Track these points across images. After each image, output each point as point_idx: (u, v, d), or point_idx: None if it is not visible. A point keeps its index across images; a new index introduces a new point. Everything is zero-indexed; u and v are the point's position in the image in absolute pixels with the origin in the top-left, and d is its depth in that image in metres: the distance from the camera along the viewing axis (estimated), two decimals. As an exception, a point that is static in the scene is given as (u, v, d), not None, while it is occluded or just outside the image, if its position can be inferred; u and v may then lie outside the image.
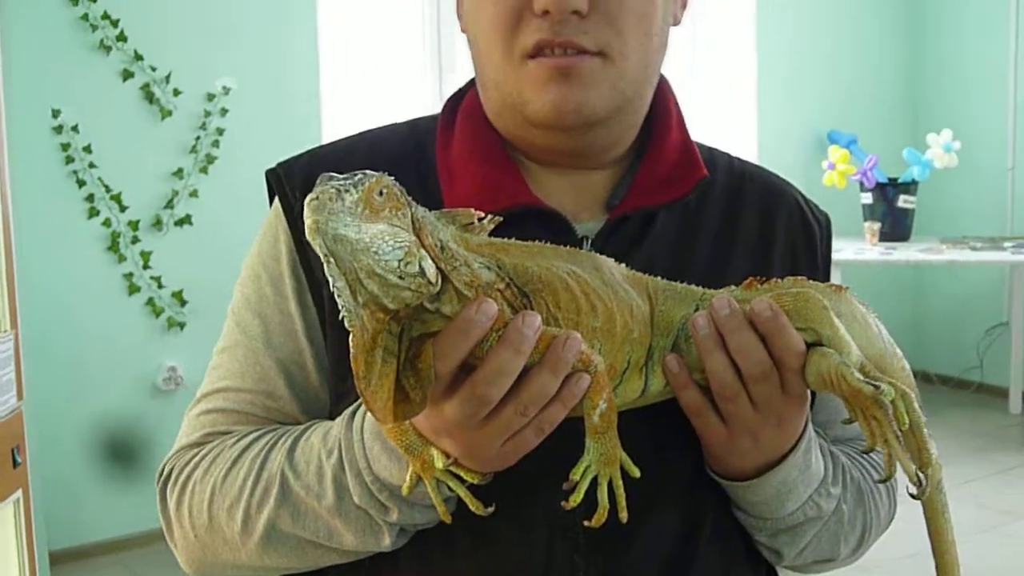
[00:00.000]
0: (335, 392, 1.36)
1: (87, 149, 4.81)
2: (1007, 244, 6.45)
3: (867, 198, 6.66)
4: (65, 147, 4.82)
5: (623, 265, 1.24)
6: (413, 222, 1.02)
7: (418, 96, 5.97)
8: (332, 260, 0.98)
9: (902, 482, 1.23)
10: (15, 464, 2.67)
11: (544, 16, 1.26)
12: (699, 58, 6.92)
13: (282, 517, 1.27)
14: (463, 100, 1.46)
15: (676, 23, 1.42)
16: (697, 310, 1.24)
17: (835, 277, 5.88)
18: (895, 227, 6.62)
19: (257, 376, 1.38)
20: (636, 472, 1.12)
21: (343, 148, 1.46)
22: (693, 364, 1.22)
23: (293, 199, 1.39)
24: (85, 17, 4.80)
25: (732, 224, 1.44)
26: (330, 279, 0.99)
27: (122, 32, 4.85)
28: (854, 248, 6.50)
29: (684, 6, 1.44)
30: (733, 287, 1.28)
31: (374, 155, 1.42)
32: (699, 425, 1.26)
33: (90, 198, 4.88)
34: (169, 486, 1.38)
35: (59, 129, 4.80)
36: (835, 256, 6.18)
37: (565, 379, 1.08)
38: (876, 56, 7.27)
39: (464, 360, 1.05)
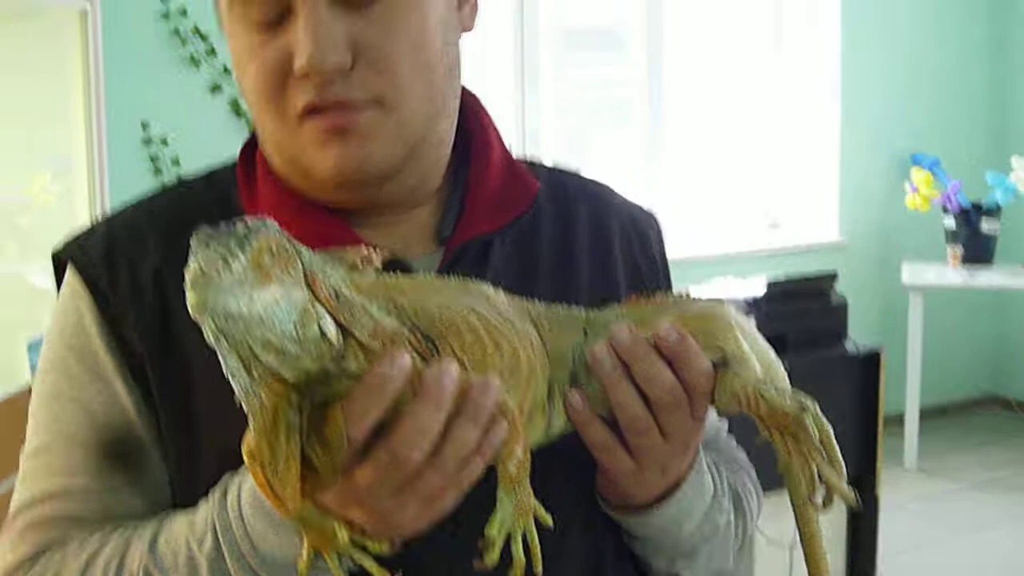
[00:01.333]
0: (179, 479, 1.24)
1: (175, 162, 4.86)
2: (1091, 270, 6.36)
3: (950, 222, 6.59)
4: (154, 159, 4.87)
5: (500, 291, 1.15)
6: (305, 274, 0.92)
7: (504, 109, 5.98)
8: (223, 339, 0.89)
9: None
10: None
11: (306, 78, 1.17)
12: (784, 78, 6.90)
13: None
14: (259, 148, 1.34)
15: (467, 30, 1.32)
16: (586, 335, 1.17)
17: (915, 301, 5.86)
18: (978, 251, 6.54)
19: (88, 471, 1.24)
20: (549, 520, 1.06)
21: (142, 215, 1.34)
22: (595, 397, 1.15)
23: (97, 273, 1.27)
24: (176, 32, 4.87)
25: (567, 237, 1.38)
26: (222, 360, 0.91)
27: (212, 47, 4.91)
28: (936, 272, 6.44)
29: (475, 9, 1.33)
30: (615, 306, 1.20)
31: (178, 216, 1.31)
32: (606, 461, 1.19)
33: (177, 210, 4.90)
34: None
35: (148, 141, 4.86)
36: (916, 280, 6.19)
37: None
38: (961, 78, 7.20)
39: (380, 420, 0.96)
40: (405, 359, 0.96)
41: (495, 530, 1.03)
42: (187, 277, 0.87)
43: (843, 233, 6.81)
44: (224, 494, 1.13)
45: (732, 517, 1.36)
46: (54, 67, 2.75)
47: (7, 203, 2.99)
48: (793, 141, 6.92)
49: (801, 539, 1.21)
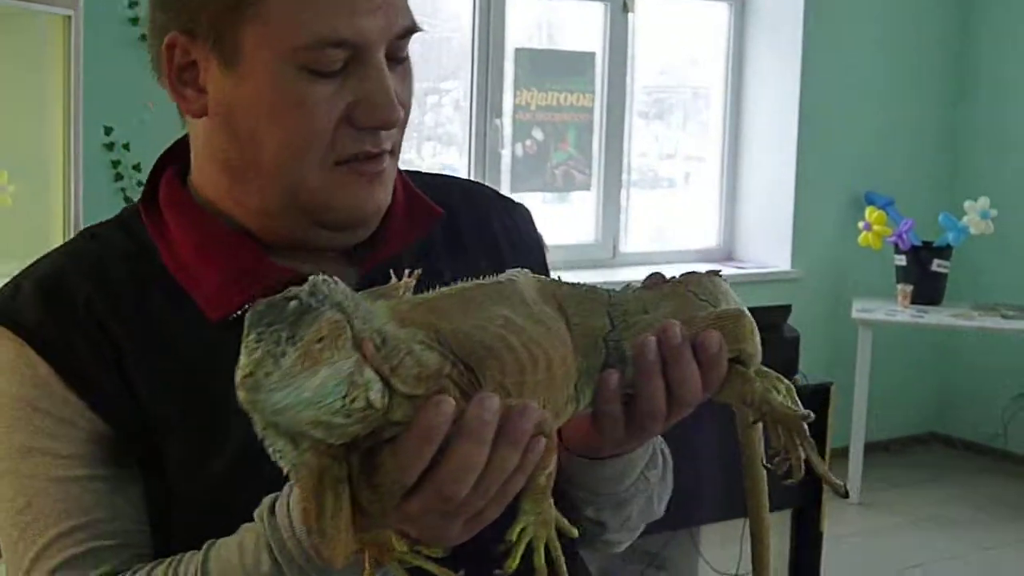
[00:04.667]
0: (189, 481, 1.27)
1: (136, 168, 4.86)
2: (1038, 314, 6.44)
3: (901, 260, 6.65)
4: (116, 164, 4.90)
5: (527, 271, 1.19)
6: (354, 336, 0.95)
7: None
8: (272, 430, 0.93)
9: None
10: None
11: (370, 129, 1.26)
12: (742, 110, 6.96)
13: None
14: (158, 192, 1.38)
15: None
16: (611, 321, 1.20)
17: (864, 337, 5.91)
18: (927, 291, 6.60)
19: (91, 504, 1.25)
20: (574, 532, 1.10)
21: (63, 262, 1.36)
22: (626, 381, 1.20)
23: (36, 328, 1.28)
24: (143, 38, 4.83)
25: (458, 242, 1.45)
26: (267, 444, 0.95)
27: (178, 55, 4.89)
28: (885, 309, 6.49)
29: None
30: (638, 287, 1.25)
31: (98, 256, 1.35)
32: (605, 430, 1.23)
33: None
34: None
35: (111, 146, 4.86)
36: (865, 316, 6.26)
37: None
38: (918, 122, 7.27)
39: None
40: (449, 405, 0.98)
41: (515, 535, 1.06)
42: (237, 372, 0.90)
43: (796, 265, 6.87)
44: (272, 512, 1.15)
45: (661, 472, 1.44)
46: (35, 69, 2.75)
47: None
48: (750, 172, 6.98)
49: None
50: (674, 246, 6.89)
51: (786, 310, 4.55)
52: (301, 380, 0.90)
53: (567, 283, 1.21)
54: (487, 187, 1.60)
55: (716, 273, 1.28)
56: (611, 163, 6.51)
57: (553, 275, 1.25)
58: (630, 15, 6.40)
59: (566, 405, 1.16)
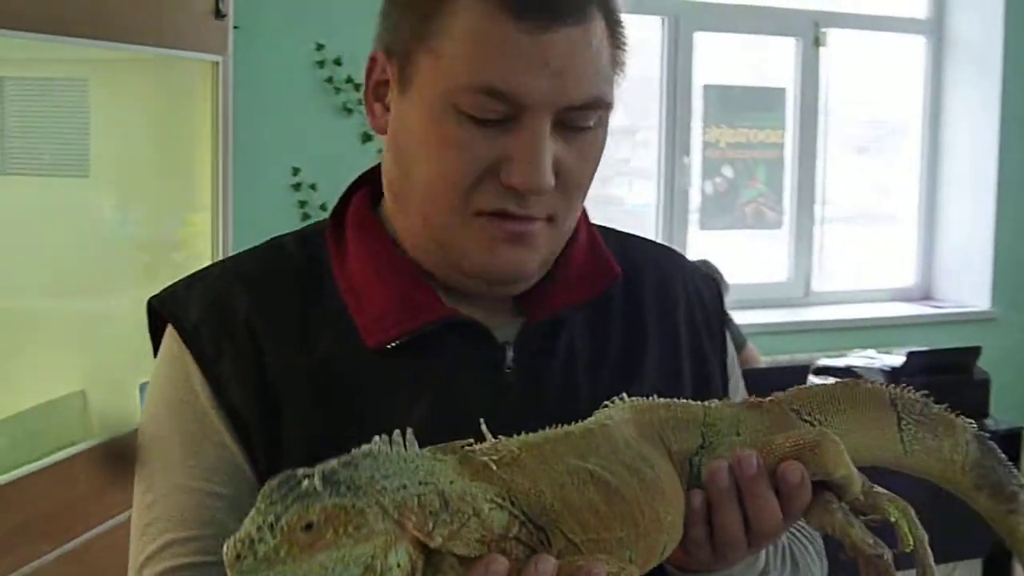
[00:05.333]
0: None
1: (323, 207, 4.93)
2: None
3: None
4: (303, 204, 4.98)
5: (630, 401, 1.18)
6: (396, 508, 0.93)
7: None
8: None
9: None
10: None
11: (512, 190, 1.24)
12: (940, 143, 6.79)
13: None
14: (348, 209, 1.39)
15: None
16: (703, 441, 1.18)
17: None
18: None
19: (203, 519, 1.27)
20: None
21: (231, 271, 1.39)
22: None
23: (193, 330, 1.32)
24: (330, 80, 4.98)
25: (636, 305, 1.42)
26: None
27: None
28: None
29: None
30: (731, 402, 1.23)
31: (266, 271, 1.37)
32: (690, 552, 1.21)
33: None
34: None
35: (298, 187, 4.97)
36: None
37: None
38: None
39: None
40: (501, 565, 0.97)
41: None
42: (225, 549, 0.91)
43: (995, 304, 6.66)
44: None
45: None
46: (188, 115, 2.86)
47: (164, 241, 3.10)
48: (949, 207, 6.81)
49: None
50: (869, 285, 6.74)
51: (975, 352, 4.43)
52: (287, 566, 0.89)
53: (665, 405, 1.19)
54: (678, 254, 1.57)
55: (859, 378, 1.27)
56: (803, 200, 6.41)
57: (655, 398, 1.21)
58: (822, 49, 6.31)
59: (663, 547, 1.13)
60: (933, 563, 1.17)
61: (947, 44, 6.71)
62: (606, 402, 1.17)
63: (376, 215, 1.39)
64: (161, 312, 1.36)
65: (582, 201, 1.33)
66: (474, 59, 1.21)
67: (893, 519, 1.15)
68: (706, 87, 6.17)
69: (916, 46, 6.70)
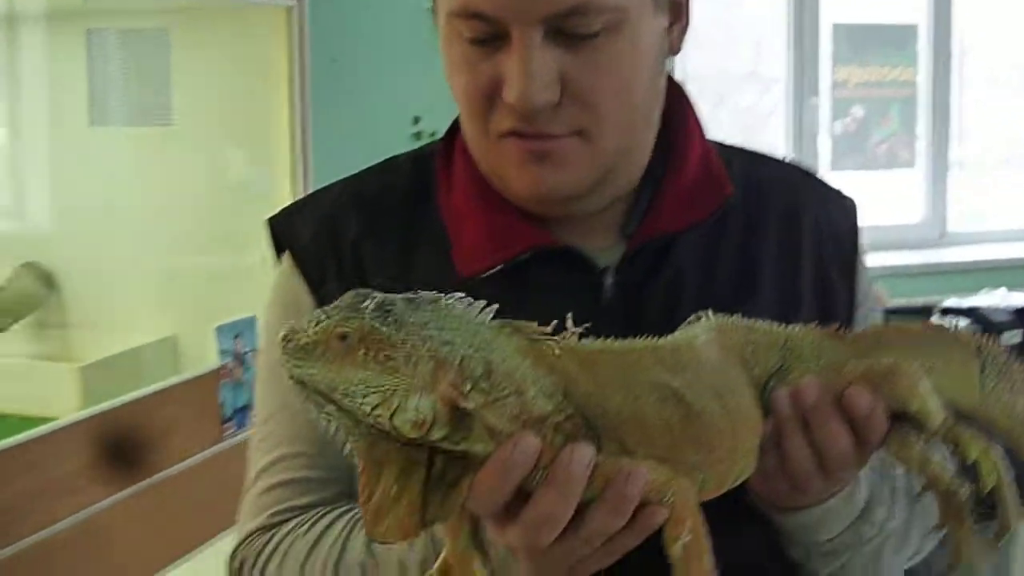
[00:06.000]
0: None
1: (444, 155, 4.96)
2: None
3: None
4: (423, 155, 4.98)
5: (714, 319, 1.16)
6: (432, 359, 0.94)
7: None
8: (308, 391, 0.95)
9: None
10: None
11: (513, 107, 1.23)
12: None
13: None
14: (458, 135, 1.40)
15: (675, 53, 1.34)
16: (782, 362, 1.16)
17: None
18: None
19: (311, 438, 1.33)
20: None
21: (346, 193, 1.43)
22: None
23: (303, 251, 1.37)
24: (446, 29, 4.96)
25: (754, 230, 1.39)
26: (312, 409, 0.96)
27: (483, 43, 4.98)
28: None
29: (685, 30, 1.34)
30: (816, 329, 1.20)
31: (377, 194, 1.40)
32: (763, 479, 1.19)
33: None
34: None
35: (418, 136, 4.98)
36: None
37: (638, 508, 1.00)
38: None
39: (508, 499, 0.98)
40: (531, 442, 0.96)
41: None
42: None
43: None
44: None
45: (892, 523, 1.33)
46: (266, 63, 2.89)
47: (247, 191, 3.15)
48: None
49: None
50: (1009, 225, 6.55)
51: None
52: (320, 363, 0.93)
53: (747, 326, 1.18)
54: (816, 178, 1.53)
55: (935, 324, 1.25)
56: (938, 138, 6.24)
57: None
58: (955, -18, 6.12)
59: (738, 474, 1.13)
60: (1014, 509, 1.15)
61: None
62: (691, 318, 1.16)
63: None
64: (276, 232, 1.43)
65: (621, 117, 1.28)
66: None
67: (972, 457, 1.13)
68: (835, 26, 6.02)
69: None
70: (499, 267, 1.31)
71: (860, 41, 6.20)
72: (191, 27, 2.93)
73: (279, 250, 1.43)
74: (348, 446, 0.98)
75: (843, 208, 1.48)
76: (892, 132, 6.31)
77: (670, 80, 1.41)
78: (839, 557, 1.31)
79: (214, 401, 2.71)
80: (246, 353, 2.78)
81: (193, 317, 2.97)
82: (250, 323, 2.81)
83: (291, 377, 0.94)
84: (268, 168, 2.99)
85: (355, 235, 1.37)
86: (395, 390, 0.93)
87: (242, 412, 2.79)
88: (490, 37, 1.22)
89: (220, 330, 2.74)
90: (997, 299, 4.58)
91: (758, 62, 6.03)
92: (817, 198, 1.47)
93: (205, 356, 2.78)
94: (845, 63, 6.12)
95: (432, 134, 4.92)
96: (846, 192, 1.51)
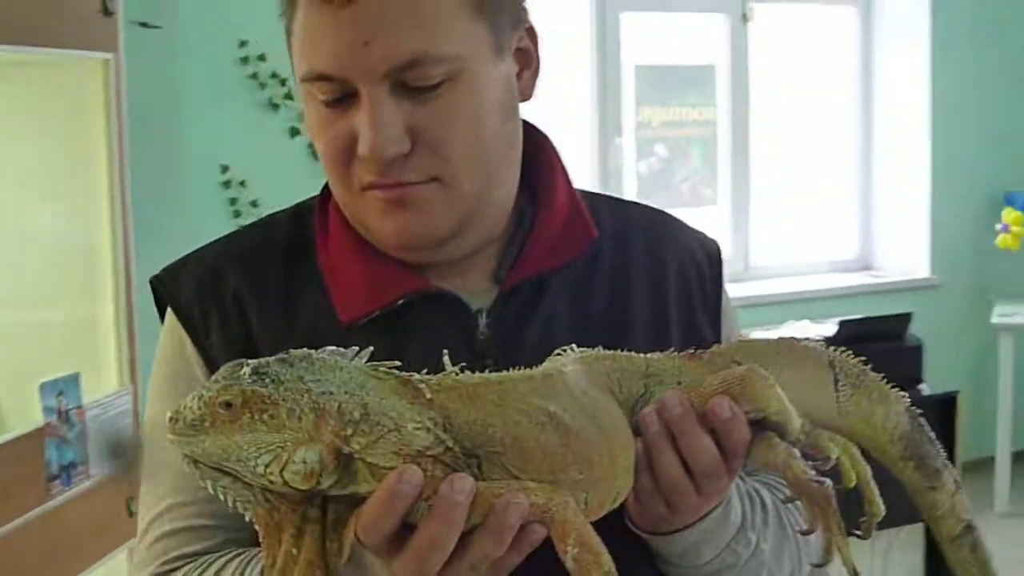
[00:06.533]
0: None
1: (254, 204, 4.93)
2: None
3: (1043, 261, 6.48)
4: (233, 201, 4.96)
5: (578, 352, 1.20)
6: (313, 410, 0.99)
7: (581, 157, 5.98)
8: (200, 467, 1.00)
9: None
10: (130, 514, 2.79)
11: (368, 160, 1.28)
12: (873, 116, 6.84)
13: None
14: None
15: (527, 99, 1.39)
16: (645, 389, 1.20)
17: (1005, 342, 5.72)
18: (1072, 290, 6.42)
19: (198, 486, 1.23)
20: None
21: (224, 249, 1.46)
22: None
23: (186, 305, 1.39)
24: (255, 76, 4.96)
25: (624, 273, 1.43)
26: (208, 484, 1.01)
27: (290, 91, 4.97)
28: (1029, 312, 6.32)
29: (535, 75, 1.40)
30: (674, 354, 1.24)
31: (257, 248, 1.43)
32: (644, 504, 1.23)
33: (256, 251, 4.97)
34: None
35: (227, 184, 4.96)
36: (1005, 321, 6.08)
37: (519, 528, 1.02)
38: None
39: (396, 529, 1.01)
40: (416, 475, 1.00)
41: None
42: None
43: (935, 271, 6.71)
44: None
45: (766, 545, 1.38)
46: (83, 116, 2.85)
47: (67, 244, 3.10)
48: (884, 180, 6.85)
49: None
50: (809, 258, 6.77)
51: (905, 318, 4.46)
52: (209, 436, 0.98)
53: (610, 356, 1.22)
54: (675, 219, 1.57)
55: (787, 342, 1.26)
56: (738, 176, 6.44)
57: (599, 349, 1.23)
58: (750, 24, 6.32)
59: (617, 492, 1.16)
60: (879, 499, 1.19)
61: (875, 13, 6.75)
62: (557, 351, 1.20)
63: None
64: (158, 289, 1.44)
65: (474, 161, 1.31)
66: (304, 49, 1.29)
67: (834, 456, 1.17)
68: (637, 67, 6.17)
69: (847, 17, 6.71)
70: (377, 313, 1.34)
71: (661, 82, 6.36)
72: (5, 80, 2.87)
73: (162, 307, 1.45)
74: (248, 516, 1.01)
75: (707, 251, 1.52)
76: (695, 171, 6.49)
77: (531, 126, 1.46)
78: None
79: (40, 459, 2.66)
80: (70, 411, 2.74)
81: (15, 375, 2.90)
82: (74, 380, 2.76)
83: (184, 456, 0.98)
84: (86, 221, 2.94)
85: (236, 287, 1.39)
86: (283, 445, 0.97)
87: (68, 469, 2.74)
88: (342, 96, 1.27)
89: (43, 388, 2.70)
90: (801, 330, 4.72)
91: (564, 103, 6.14)
92: (682, 241, 1.52)
93: (29, 414, 2.72)
94: (648, 104, 6.26)
95: (242, 182, 4.90)
96: (709, 235, 1.56)
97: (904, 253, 6.82)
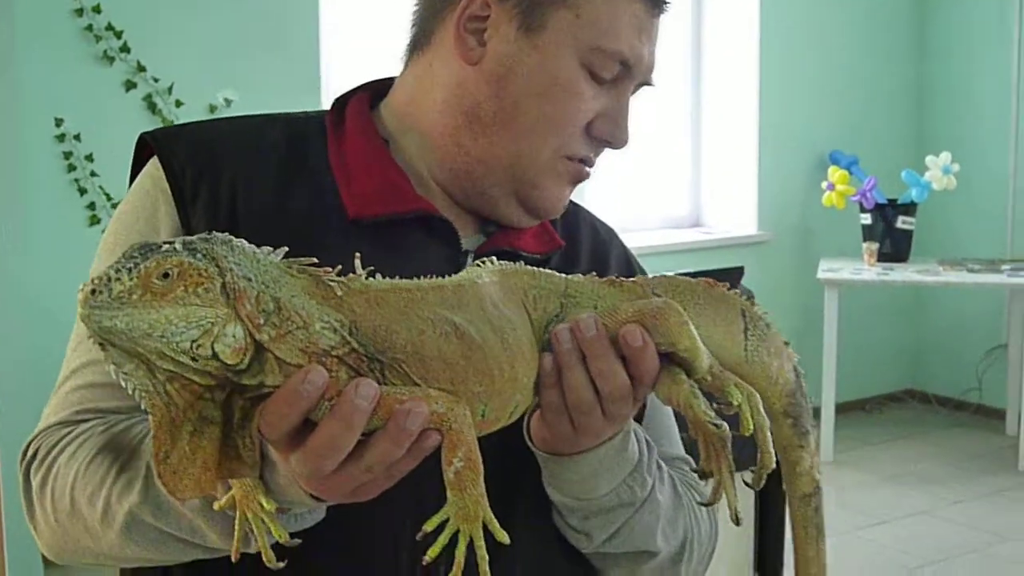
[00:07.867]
0: None
1: (89, 158, 4.88)
2: (1005, 267, 6.47)
3: (866, 219, 6.68)
4: (68, 155, 4.89)
5: (499, 264, 1.22)
6: (229, 291, 0.99)
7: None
8: (107, 347, 0.97)
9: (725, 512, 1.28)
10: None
11: (601, 142, 1.43)
12: (702, 76, 6.97)
13: (144, 510, 1.24)
14: (348, 104, 1.49)
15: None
16: (561, 308, 1.23)
17: (830, 297, 5.90)
18: (893, 248, 6.64)
19: None
20: (505, 537, 1.08)
21: (228, 129, 1.47)
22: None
23: (181, 169, 1.39)
24: (90, 28, 4.88)
25: (575, 265, 1.53)
26: (105, 360, 0.98)
27: (125, 43, 4.92)
28: (852, 268, 6.54)
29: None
30: (596, 278, 1.26)
31: (255, 140, 1.45)
32: (549, 422, 1.26)
33: (91, 206, 4.94)
34: (34, 467, 1.34)
35: (62, 137, 4.86)
36: (830, 276, 6.29)
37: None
38: (880, 78, 7.29)
39: (297, 425, 1.03)
40: (319, 375, 1.01)
41: (433, 526, 1.07)
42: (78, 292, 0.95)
43: (763, 228, 6.89)
44: None
45: (661, 497, 1.42)
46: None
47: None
48: (713, 139, 7.00)
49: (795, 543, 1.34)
50: (643, 216, 6.88)
51: (738, 271, 4.53)
52: (136, 310, 0.95)
53: (530, 272, 1.24)
54: (580, 207, 1.66)
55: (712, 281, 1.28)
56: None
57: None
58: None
59: (515, 406, 1.18)
60: (773, 450, 1.22)
61: (706, -23, 6.88)
62: (477, 262, 1.22)
63: (372, 117, 1.49)
64: (152, 145, 1.42)
65: None
66: (611, 28, 1.38)
67: (736, 402, 1.19)
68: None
69: (677, -20, 6.80)
70: (385, 217, 1.39)
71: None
72: None
73: (141, 163, 1.43)
74: (143, 405, 0.99)
75: (609, 232, 1.64)
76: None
77: None
78: (615, 518, 1.38)
79: None
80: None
81: None
82: None
83: (98, 331, 0.95)
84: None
85: (232, 172, 1.40)
86: (215, 320, 0.97)
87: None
88: (611, 79, 1.40)
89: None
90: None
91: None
92: (613, 238, 1.63)
93: None
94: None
95: (76, 136, 4.81)
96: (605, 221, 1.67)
97: (733, 211, 6.99)
